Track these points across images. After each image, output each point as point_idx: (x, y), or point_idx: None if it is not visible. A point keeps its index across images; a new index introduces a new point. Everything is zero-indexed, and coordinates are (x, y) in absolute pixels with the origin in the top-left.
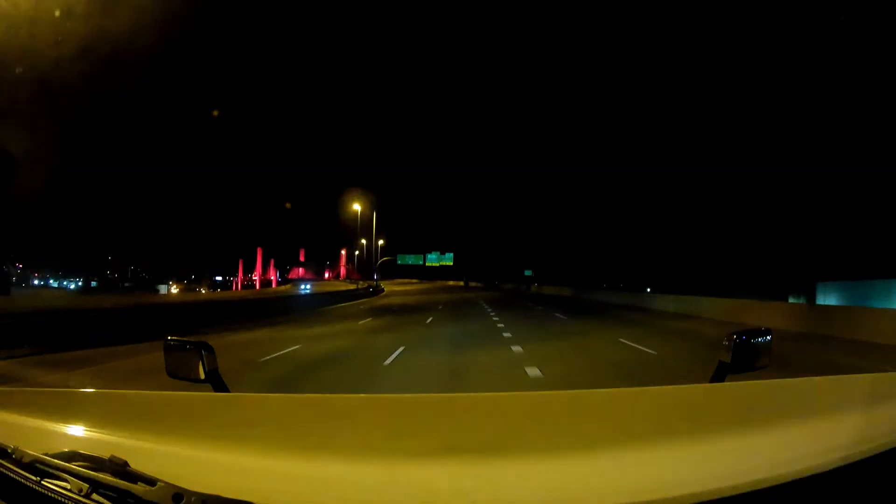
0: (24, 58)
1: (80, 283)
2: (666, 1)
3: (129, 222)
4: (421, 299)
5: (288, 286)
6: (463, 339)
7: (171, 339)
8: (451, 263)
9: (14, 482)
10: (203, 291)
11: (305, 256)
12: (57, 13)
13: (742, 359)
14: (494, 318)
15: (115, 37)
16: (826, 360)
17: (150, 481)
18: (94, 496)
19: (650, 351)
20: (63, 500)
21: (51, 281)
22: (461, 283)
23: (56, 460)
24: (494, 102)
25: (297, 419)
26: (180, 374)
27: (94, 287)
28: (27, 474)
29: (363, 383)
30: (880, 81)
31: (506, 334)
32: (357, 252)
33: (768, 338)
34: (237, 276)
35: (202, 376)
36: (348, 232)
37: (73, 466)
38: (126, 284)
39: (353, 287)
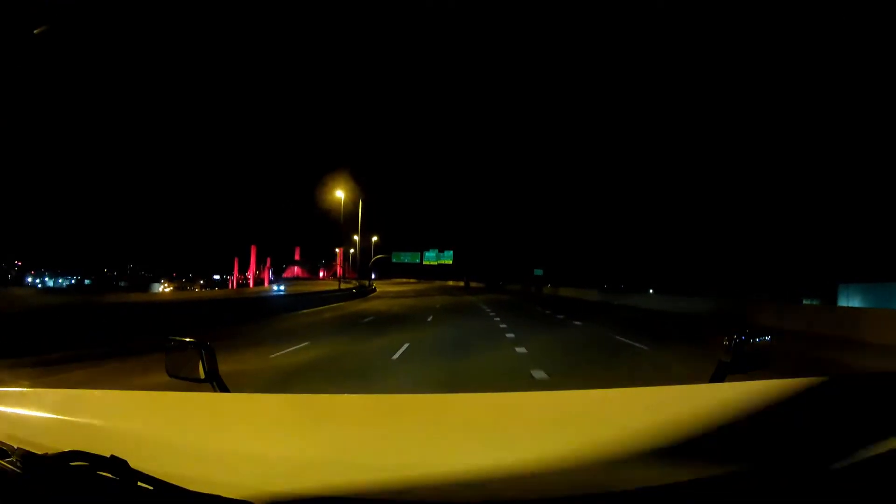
0: None
1: (72, 282)
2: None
3: (129, 220)
4: (412, 304)
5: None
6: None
7: (171, 339)
8: (451, 262)
9: (14, 482)
10: (196, 290)
11: (301, 255)
12: None
13: (742, 359)
14: (509, 336)
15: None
16: None
17: (151, 481)
18: (96, 495)
19: None
20: (64, 499)
21: (46, 279)
22: (461, 284)
23: (57, 460)
24: (495, 87)
25: (298, 419)
26: (180, 374)
27: (87, 285)
28: (27, 473)
29: None
30: None
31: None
32: (352, 250)
33: (767, 338)
34: (248, 274)
35: (202, 376)
36: (344, 230)
37: (73, 465)
38: (121, 283)
39: (334, 287)
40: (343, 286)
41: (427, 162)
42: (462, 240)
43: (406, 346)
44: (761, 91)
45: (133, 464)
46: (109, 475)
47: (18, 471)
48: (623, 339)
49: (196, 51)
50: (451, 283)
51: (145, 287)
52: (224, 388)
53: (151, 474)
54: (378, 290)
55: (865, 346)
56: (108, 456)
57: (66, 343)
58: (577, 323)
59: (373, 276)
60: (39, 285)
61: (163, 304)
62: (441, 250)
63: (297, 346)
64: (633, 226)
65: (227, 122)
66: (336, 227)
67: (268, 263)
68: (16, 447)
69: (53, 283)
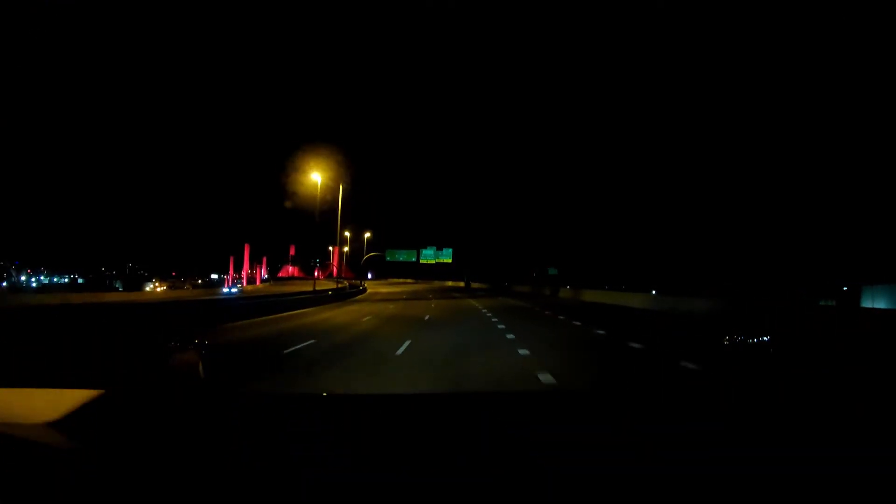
0: None
1: (65, 280)
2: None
3: (129, 220)
4: (394, 313)
5: (266, 284)
6: None
7: (172, 340)
8: (451, 261)
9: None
10: (188, 288)
11: (298, 253)
12: None
13: (741, 360)
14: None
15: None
16: None
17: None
18: None
19: None
20: None
21: (42, 277)
22: (461, 284)
23: None
24: (496, 73)
25: (298, 419)
26: (180, 375)
27: (80, 284)
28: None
29: None
30: None
31: None
32: (346, 248)
33: (766, 339)
34: (242, 273)
35: (202, 375)
36: (340, 227)
37: None
38: (116, 282)
39: (324, 287)
40: (327, 286)
41: (424, 152)
42: (462, 236)
43: None
44: (779, 84)
45: None
46: None
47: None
48: None
49: (195, 50)
50: (450, 283)
51: (139, 286)
52: (224, 388)
53: None
54: (369, 290)
55: None
56: None
57: None
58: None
59: (369, 276)
60: (34, 283)
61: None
62: (439, 248)
63: None
64: (669, 216)
65: (226, 120)
66: (333, 224)
67: (263, 262)
68: None
69: (49, 281)
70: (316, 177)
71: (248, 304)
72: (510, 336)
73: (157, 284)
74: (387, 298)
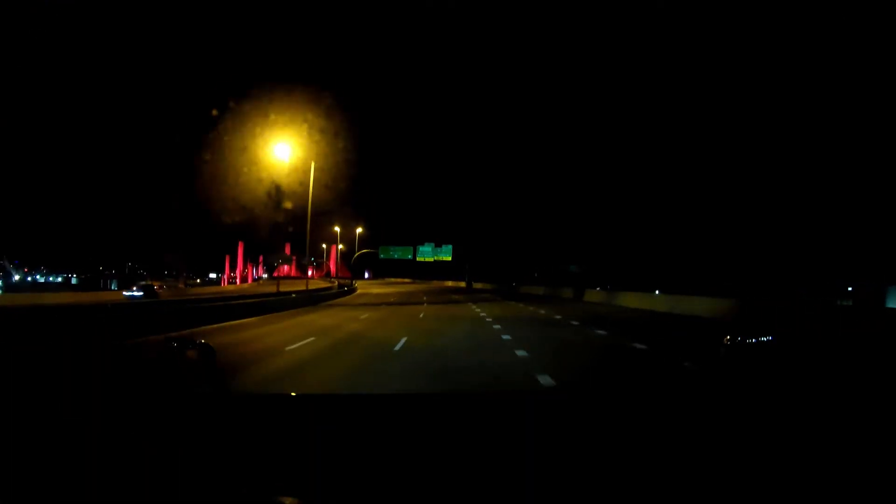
0: None
1: (58, 279)
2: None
3: (131, 220)
4: (369, 329)
5: (254, 284)
6: None
7: (171, 339)
8: (450, 258)
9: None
10: (181, 287)
11: (294, 252)
12: None
13: (741, 360)
14: None
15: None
16: None
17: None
18: None
19: None
20: None
21: (38, 276)
22: (462, 284)
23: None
24: (497, 54)
25: (297, 418)
26: (180, 375)
27: (72, 284)
28: None
29: None
30: None
31: None
32: (342, 246)
33: (769, 338)
34: (235, 273)
35: (202, 376)
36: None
37: None
38: (112, 282)
39: (295, 288)
40: (319, 286)
41: (421, 139)
42: (463, 231)
43: None
44: (783, 82)
45: None
46: None
47: None
48: None
49: (194, 52)
50: (449, 283)
51: (129, 285)
52: (224, 388)
53: None
54: (358, 291)
55: None
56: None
57: None
58: None
59: (366, 276)
60: (28, 281)
61: None
62: (438, 244)
63: None
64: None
65: (225, 118)
66: (329, 221)
67: (260, 261)
68: None
69: (45, 280)
70: (283, 153)
71: (141, 314)
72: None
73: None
74: (370, 303)
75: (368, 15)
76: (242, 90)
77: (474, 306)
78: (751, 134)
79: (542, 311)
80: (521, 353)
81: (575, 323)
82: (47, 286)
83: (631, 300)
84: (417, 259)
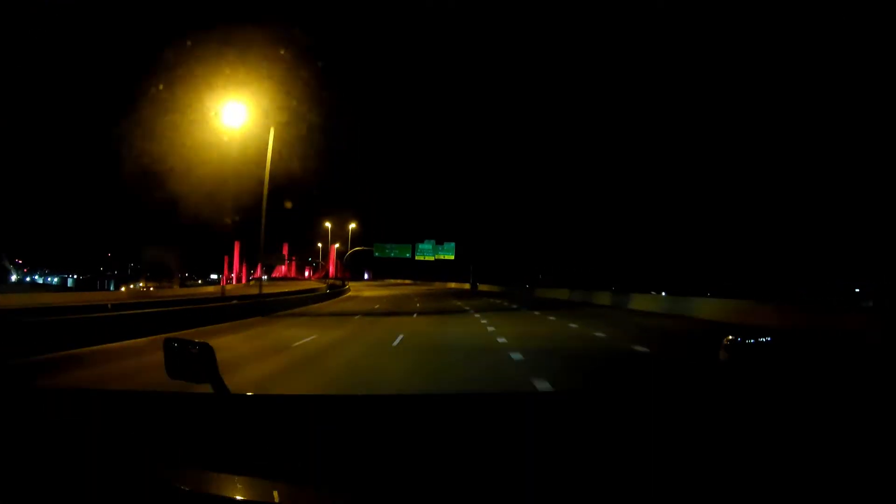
0: None
1: (55, 280)
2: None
3: (134, 221)
4: (295, 367)
5: (241, 285)
6: None
7: (172, 339)
8: (453, 257)
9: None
10: (176, 288)
11: (293, 253)
12: None
13: (741, 361)
14: None
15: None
16: None
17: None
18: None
19: None
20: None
21: (36, 277)
22: (467, 286)
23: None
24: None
25: (297, 418)
26: (180, 375)
27: (68, 285)
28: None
29: None
30: None
31: None
32: (337, 245)
33: (767, 339)
34: (232, 274)
35: (202, 377)
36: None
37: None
38: (110, 283)
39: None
40: (311, 286)
41: (421, 125)
42: (467, 228)
43: None
44: (784, 83)
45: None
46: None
47: None
48: None
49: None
50: (452, 284)
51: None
52: (224, 389)
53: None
54: (349, 294)
55: None
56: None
57: None
58: None
59: (365, 276)
60: (28, 281)
61: None
62: (440, 242)
63: None
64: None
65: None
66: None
67: (258, 262)
68: None
69: (43, 281)
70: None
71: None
72: None
73: (144, 285)
74: (346, 312)
75: None
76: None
77: (483, 320)
78: (752, 138)
79: (600, 334)
80: None
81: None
82: (41, 287)
83: (708, 308)
84: (416, 258)
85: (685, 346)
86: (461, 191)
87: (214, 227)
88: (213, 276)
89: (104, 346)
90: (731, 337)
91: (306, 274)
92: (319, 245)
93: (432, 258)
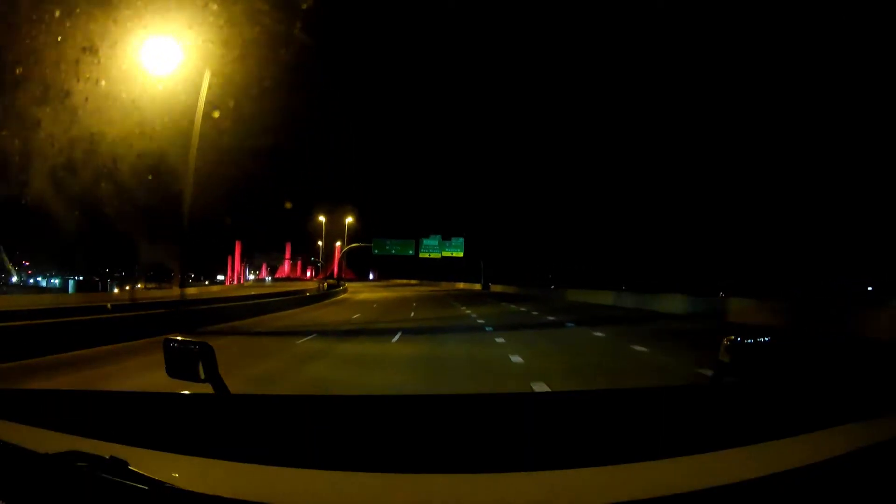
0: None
1: (55, 282)
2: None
3: (137, 221)
4: None
5: (235, 285)
6: None
7: (171, 340)
8: (462, 254)
9: (16, 481)
10: (175, 289)
11: (294, 252)
12: None
13: (741, 363)
14: None
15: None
16: None
17: (151, 482)
18: (96, 496)
19: None
20: (64, 499)
21: (39, 279)
22: (478, 287)
23: (56, 460)
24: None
25: (296, 419)
26: (180, 375)
27: (66, 287)
28: (29, 474)
29: None
30: None
31: None
32: (339, 243)
33: (767, 339)
34: (235, 274)
35: (202, 376)
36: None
37: (74, 466)
38: (112, 285)
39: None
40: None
41: (426, 108)
42: (477, 222)
43: None
44: (786, 86)
45: (133, 464)
46: (110, 476)
47: (18, 470)
48: None
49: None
50: (461, 285)
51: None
52: (224, 389)
53: (152, 475)
54: (340, 297)
55: None
56: (107, 457)
57: None
58: None
59: (370, 277)
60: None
61: None
62: (447, 237)
63: None
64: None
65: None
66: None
67: (264, 265)
68: (17, 445)
69: (46, 283)
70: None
71: None
72: None
73: (142, 286)
74: (302, 329)
75: None
76: None
77: (511, 353)
78: (753, 142)
79: None
80: None
81: None
82: (41, 289)
83: None
84: (420, 255)
85: None
86: (470, 180)
87: (217, 226)
88: (220, 277)
89: None
90: (732, 337)
91: (308, 274)
92: (320, 243)
93: (438, 255)
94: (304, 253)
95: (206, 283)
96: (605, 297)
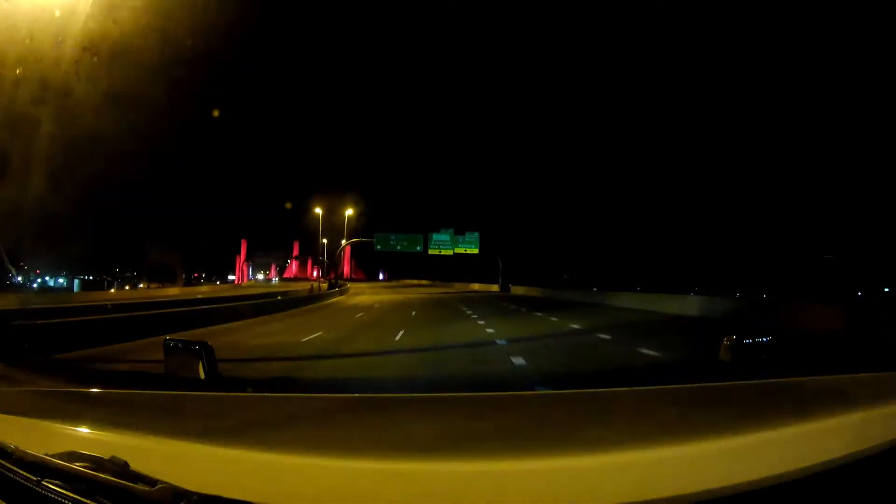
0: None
1: (62, 282)
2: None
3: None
4: None
5: (229, 286)
6: None
7: (171, 340)
8: (477, 251)
9: (14, 482)
10: (177, 289)
11: (302, 251)
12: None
13: (742, 361)
14: None
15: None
16: None
17: (151, 482)
18: (95, 496)
19: None
20: (63, 500)
21: (46, 279)
22: (495, 288)
23: (56, 460)
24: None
25: (296, 418)
26: (180, 375)
27: (72, 287)
28: (27, 474)
29: None
30: None
31: None
32: (344, 241)
33: (767, 339)
34: (243, 274)
35: (202, 376)
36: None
37: (73, 466)
38: (111, 283)
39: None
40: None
41: (436, 90)
42: (495, 215)
43: None
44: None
45: (133, 464)
46: (110, 476)
47: (19, 471)
48: None
49: (194, 48)
50: (476, 286)
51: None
52: (224, 389)
53: (151, 475)
54: (334, 300)
55: None
56: (108, 457)
57: None
58: None
59: (381, 277)
60: (36, 284)
61: None
62: (459, 231)
63: None
64: None
65: (226, 113)
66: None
67: (273, 265)
68: (17, 447)
69: (53, 283)
70: None
71: None
72: None
73: (143, 285)
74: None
75: None
76: None
77: None
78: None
79: None
80: None
81: None
82: (43, 289)
83: None
84: (430, 252)
85: None
86: (486, 170)
87: (223, 227)
88: (231, 277)
89: None
90: (733, 336)
91: (314, 274)
92: (325, 241)
93: (450, 252)
94: (313, 253)
95: (217, 282)
96: (675, 304)
